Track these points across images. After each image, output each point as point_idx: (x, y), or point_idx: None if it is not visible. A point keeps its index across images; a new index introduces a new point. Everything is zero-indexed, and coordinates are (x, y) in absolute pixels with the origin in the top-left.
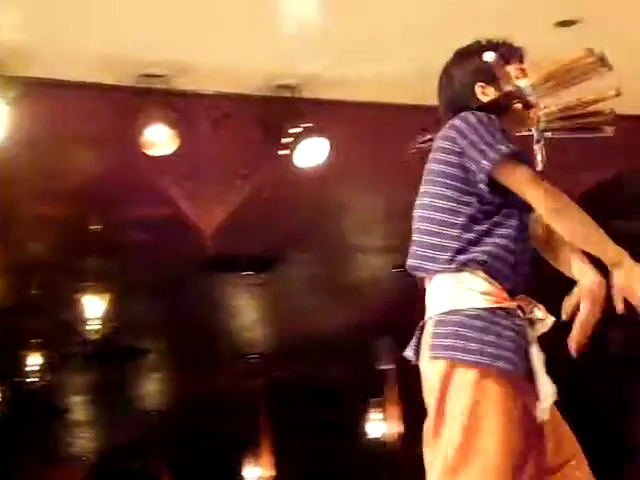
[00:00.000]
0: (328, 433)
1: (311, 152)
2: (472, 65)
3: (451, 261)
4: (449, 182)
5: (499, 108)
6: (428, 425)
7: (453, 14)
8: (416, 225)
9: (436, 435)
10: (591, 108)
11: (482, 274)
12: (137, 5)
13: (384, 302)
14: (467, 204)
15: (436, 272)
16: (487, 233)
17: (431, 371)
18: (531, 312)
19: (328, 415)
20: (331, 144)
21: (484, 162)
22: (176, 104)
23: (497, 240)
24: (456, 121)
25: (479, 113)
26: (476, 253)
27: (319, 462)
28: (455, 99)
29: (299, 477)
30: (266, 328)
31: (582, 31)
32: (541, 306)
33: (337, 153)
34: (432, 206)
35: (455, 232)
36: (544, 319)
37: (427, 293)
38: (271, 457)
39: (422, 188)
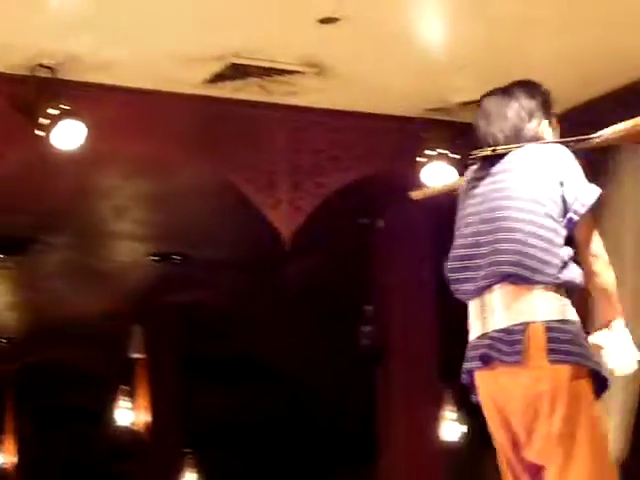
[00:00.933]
0: (77, 419)
1: (68, 135)
2: (540, 100)
3: (557, 277)
4: (554, 206)
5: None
6: (546, 428)
7: (225, 6)
8: (518, 237)
9: (563, 435)
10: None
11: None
12: None
13: (138, 289)
14: (562, 228)
15: (541, 284)
16: (571, 257)
17: (544, 374)
18: None
19: (78, 401)
20: (89, 127)
21: (584, 199)
22: None
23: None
24: (555, 152)
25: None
26: (574, 274)
27: (66, 448)
28: (524, 128)
29: (44, 464)
30: (17, 313)
31: (344, 28)
32: None
33: (95, 137)
34: (542, 224)
35: (558, 251)
36: None
37: (508, 301)
38: (16, 443)
39: (518, 203)
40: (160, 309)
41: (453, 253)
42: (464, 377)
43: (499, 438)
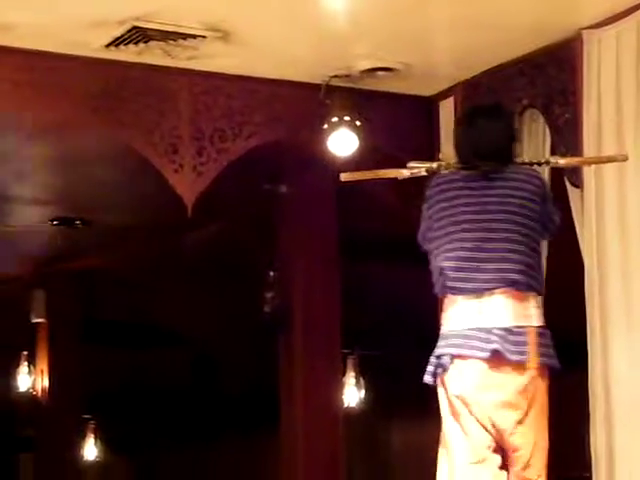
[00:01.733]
0: None
1: None
2: (510, 124)
3: (542, 287)
4: (538, 224)
5: None
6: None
7: None
8: (522, 249)
9: (537, 423)
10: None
11: None
12: None
13: (39, 255)
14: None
15: (535, 292)
16: None
17: (535, 373)
18: None
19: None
20: None
21: (557, 220)
22: None
23: None
24: (538, 180)
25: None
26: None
27: None
28: (500, 149)
29: None
30: None
31: None
32: None
33: None
34: (536, 239)
35: (542, 264)
36: None
37: (510, 304)
38: None
39: (518, 219)
40: (61, 274)
41: (454, 253)
42: (441, 359)
43: (470, 425)
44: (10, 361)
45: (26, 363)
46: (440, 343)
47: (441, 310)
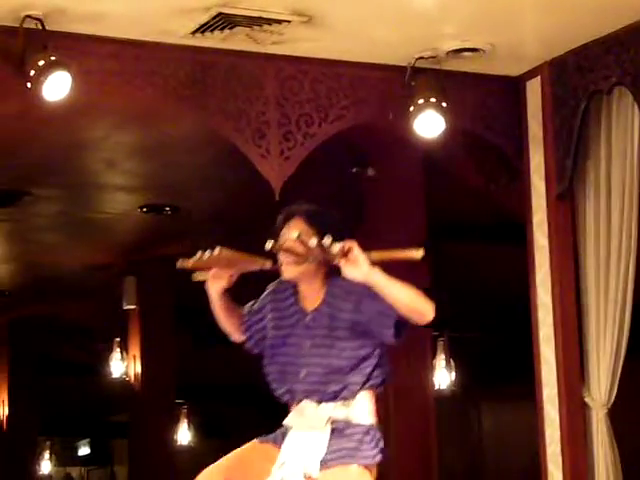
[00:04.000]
0: (70, 372)
1: (57, 86)
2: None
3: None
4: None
5: None
6: None
7: None
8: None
9: None
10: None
11: None
12: None
13: (129, 241)
14: None
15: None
16: None
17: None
18: None
19: (71, 353)
20: (77, 79)
21: None
22: None
23: None
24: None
25: None
26: None
27: (60, 400)
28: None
29: (38, 415)
30: (9, 266)
31: None
32: None
33: (84, 88)
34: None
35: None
36: None
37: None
38: (10, 395)
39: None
40: (151, 261)
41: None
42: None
43: None
44: (103, 348)
45: (119, 349)
46: None
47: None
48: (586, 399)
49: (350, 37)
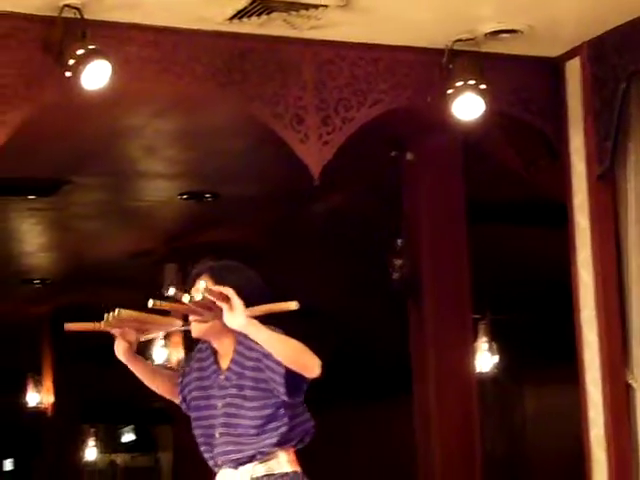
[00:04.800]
0: (115, 358)
1: (97, 75)
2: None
3: None
4: None
5: None
6: None
7: None
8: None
9: None
10: None
11: None
12: None
13: (169, 229)
14: None
15: None
16: None
17: None
18: None
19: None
20: (116, 67)
21: None
22: None
23: None
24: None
25: None
26: None
27: (104, 387)
28: None
29: (79, 403)
30: (51, 253)
31: None
32: None
33: (122, 76)
34: None
35: None
36: None
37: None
38: (52, 384)
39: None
40: (192, 248)
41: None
42: None
43: None
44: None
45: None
46: None
47: None
48: (629, 381)
49: (387, 21)
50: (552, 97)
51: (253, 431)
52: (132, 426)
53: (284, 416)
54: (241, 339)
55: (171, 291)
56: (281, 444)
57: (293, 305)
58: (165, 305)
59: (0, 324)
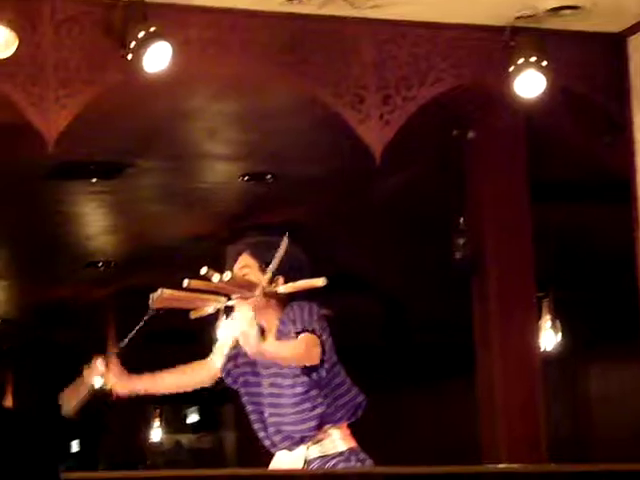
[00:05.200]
0: (176, 339)
1: (158, 57)
2: None
3: None
4: None
5: None
6: None
7: None
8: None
9: None
10: None
11: None
12: None
13: (231, 211)
14: None
15: None
16: None
17: None
18: None
19: (176, 322)
20: (177, 49)
21: None
22: (17, 5)
23: None
24: None
25: None
26: None
27: (166, 367)
28: None
29: None
30: (115, 236)
31: None
32: None
33: (183, 58)
34: None
35: None
36: None
37: None
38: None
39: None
40: (253, 229)
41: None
42: None
43: None
44: (208, 316)
45: (225, 317)
46: None
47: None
48: None
49: None
50: (615, 73)
51: (292, 410)
52: (197, 406)
53: (317, 396)
54: (288, 310)
55: (203, 270)
56: (325, 424)
57: (320, 282)
58: (199, 284)
59: (65, 307)
